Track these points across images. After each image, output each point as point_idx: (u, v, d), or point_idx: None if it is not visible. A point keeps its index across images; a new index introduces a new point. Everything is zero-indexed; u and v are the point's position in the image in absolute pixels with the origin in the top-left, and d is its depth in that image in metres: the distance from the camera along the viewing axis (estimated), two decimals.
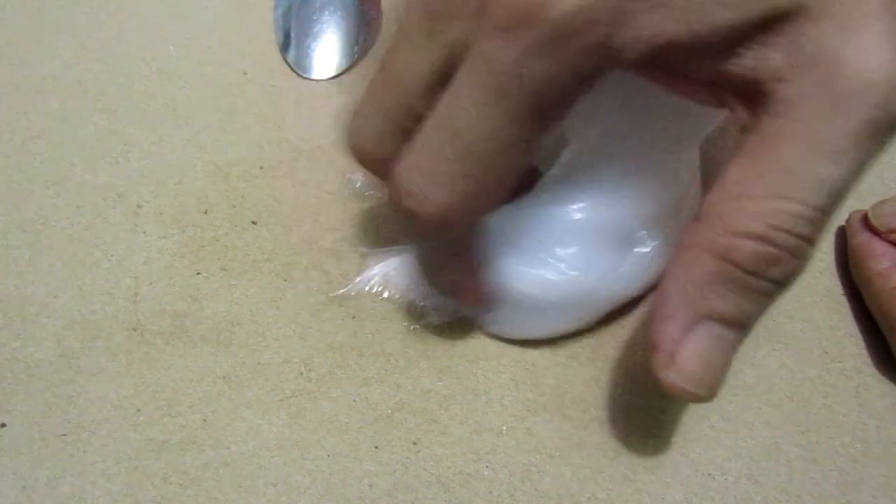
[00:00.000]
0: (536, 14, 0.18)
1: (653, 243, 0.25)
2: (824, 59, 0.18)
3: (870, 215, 0.28)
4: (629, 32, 0.18)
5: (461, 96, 0.19)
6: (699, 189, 0.26)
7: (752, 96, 0.19)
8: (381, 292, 0.28)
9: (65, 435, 0.25)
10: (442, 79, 0.20)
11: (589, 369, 0.27)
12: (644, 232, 0.25)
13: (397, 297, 0.28)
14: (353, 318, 0.28)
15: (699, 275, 0.19)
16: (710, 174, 0.26)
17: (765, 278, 0.19)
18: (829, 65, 0.18)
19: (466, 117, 0.19)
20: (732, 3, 0.18)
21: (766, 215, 0.18)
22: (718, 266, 0.19)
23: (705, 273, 0.19)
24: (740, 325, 0.20)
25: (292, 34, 0.36)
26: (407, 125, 0.22)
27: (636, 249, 0.25)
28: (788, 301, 0.29)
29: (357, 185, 0.31)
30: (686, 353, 0.20)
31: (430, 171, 0.20)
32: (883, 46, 0.18)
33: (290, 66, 0.35)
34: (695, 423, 0.26)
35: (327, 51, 0.35)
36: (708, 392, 0.20)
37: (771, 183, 0.18)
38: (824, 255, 0.30)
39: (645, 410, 0.26)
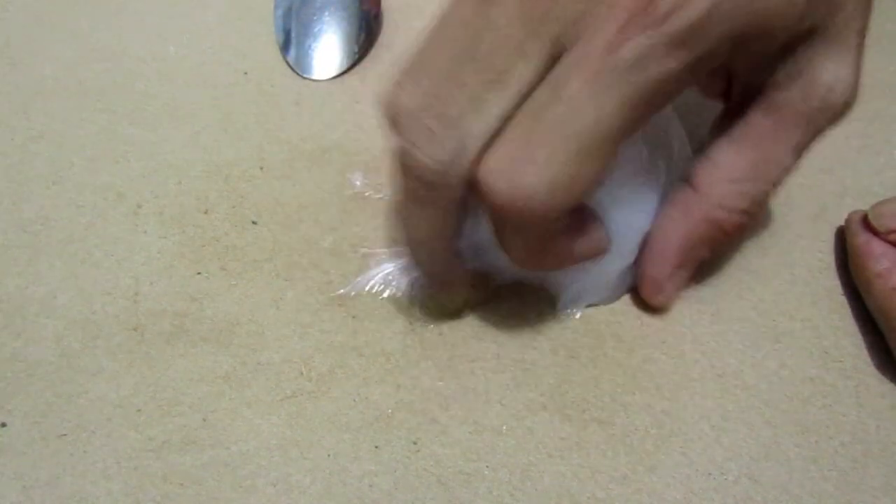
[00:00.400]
0: (665, 16, 0.19)
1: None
2: (809, 77, 0.23)
3: (870, 216, 0.28)
4: (724, 30, 0.20)
5: (575, 89, 0.20)
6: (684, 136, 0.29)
7: (751, 92, 0.24)
8: (382, 292, 0.28)
9: (65, 435, 0.25)
10: (538, 80, 0.21)
11: (589, 369, 0.27)
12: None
13: (398, 296, 0.28)
14: (353, 318, 0.28)
15: (696, 236, 0.26)
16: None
17: (736, 238, 0.27)
18: (811, 82, 0.23)
19: (581, 109, 0.20)
20: (792, 19, 0.22)
21: (751, 196, 0.25)
22: (711, 231, 0.26)
23: (701, 236, 0.26)
24: (704, 262, 0.28)
25: (293, 34, 0.36)
26: (491, 119, 0.21)
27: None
28: (788, 301, 0.29)
29: (357, 185, 0.31)
30: (670, 286, 0.27)
31: (534, 162, 0.20)
32: (848, 73, 0.23)
33: (290, 66, 0.35)
34: (695, 422, 0.26)
35: (327, 51, 0.35)
36: (670, 305, 0.28)
37: (756, 171, 0.25)
38: (824, 255, 0.30)
39: (645, 410, 0.26)
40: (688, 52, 0.20)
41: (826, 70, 0.23)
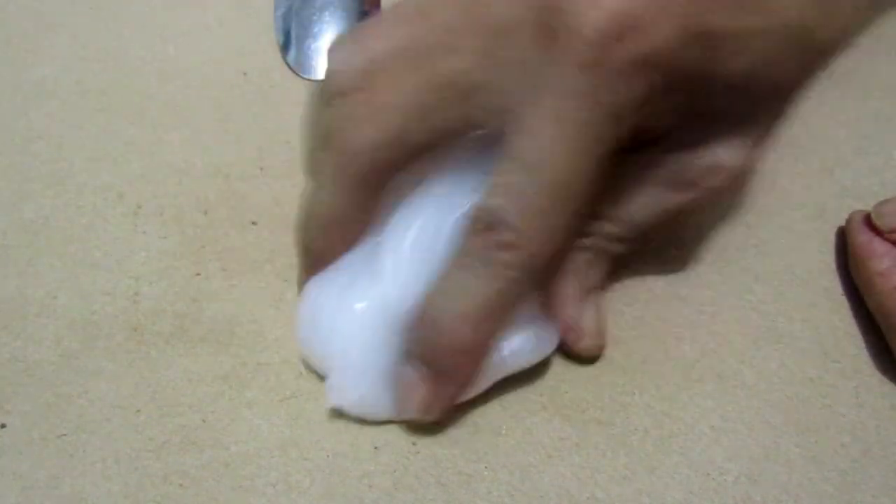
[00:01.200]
0: (621, 46, 0.19)
1: None
2: (698, 152, 0.23)
3: (873, 215, 0.28)
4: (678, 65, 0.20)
5: (546, 137, 0.20)
6: None
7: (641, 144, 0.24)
8: None
9: (65, 435, 0.25)
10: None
11: (589, 369, 0.27)
12: None
13: None
14: None
15: (582, 263, 0.25)
16: None
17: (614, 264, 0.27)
18: (697, 157, 0.23)
19: (558, 157, 0.20)
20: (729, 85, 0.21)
21: (609, 230, 0.25)
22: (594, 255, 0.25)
23: (586, 260, 0.25)
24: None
25: (293, 34, 0.36)
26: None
27: None
28: (788, 301, 0.29)
29: None
30: (586, 321, 0.26)
31: (528, 216, 0.20)
32: (736, 163, 0.23)
33: (289, 66, 0.35)
34: (695, 422, 0.26)
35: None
36: (602, 342, 0.27)
37: (618, 209, 0.25)
38: (824, 256, 0.30)
39: (645, 411, 0.26)
40: (643, 80, 0.19)
41: (724, 151, 0.23)
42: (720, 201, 0.24)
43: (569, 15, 0.19)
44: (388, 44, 0.22)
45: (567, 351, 0.26)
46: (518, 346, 0.24)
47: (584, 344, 0.26)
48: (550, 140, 0.20)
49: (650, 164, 0.24)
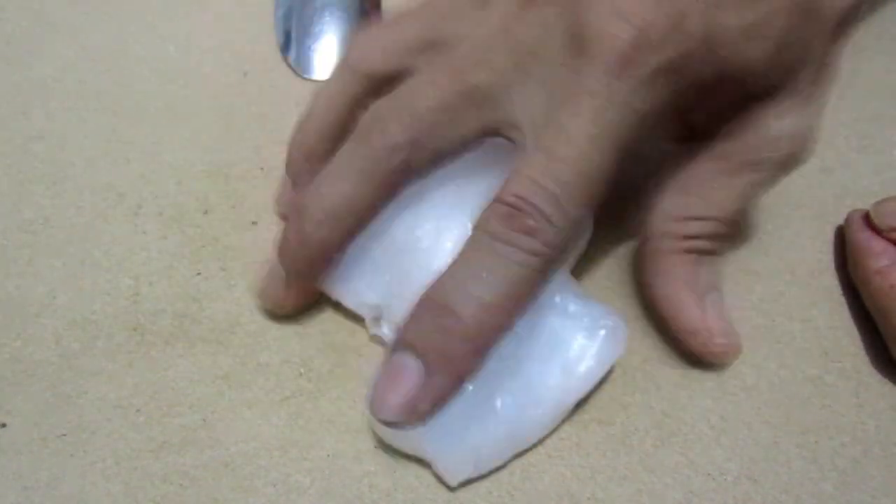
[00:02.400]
0: (645, 57, 0.21)
1: None
2: (760, 129, 0.25)
3: (871, 213, 0.28)
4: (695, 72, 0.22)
5: (575, 133, 0.21)
6: None
7: (705, 138, 0.26)
8: None
9: (65, 435, 0.25)
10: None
11: None
12: None
13: None
14: (353, 317, 0.28)
15: (690, 267, 0.26)
16: None
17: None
18: (762, 134, 0.25)
19: (585, 150, 0.21)
20: (759, 71, 0.23)
21: (698, 230, 0.26)
22: (700, 257, 0.26)
23: (693, 263, 0.26)
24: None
25: (293, 34, 0.36)
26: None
27: None
28: (788, 301, 0.29)
29: None
30: (711, 321, 0.26)
31: (553, 203, 0.21)
32: (802, 127, 0.25)
33: (290, 66, 0.35)
34: (695, 422, 0.26)
35: (327, 51, 0.35)
36: (737, 340, 0.27)
37: (700, 211, 0.26)
38: (824, 255, 0.30)
39: (645, 410, 0.26)
40: (665, 85, 0.21)
41: (779, 123, 0.24)
42: (795, 166, 0.25)
43: (597, 29, 0.21)
44: (417, 38, 0.25)
45: (700, 357, 0.26)
46: (589, 366, 0.24)
47: (717, 342, 0.26)
48: (579, 135, 0.21)
49: (722, 157, 0.25)
